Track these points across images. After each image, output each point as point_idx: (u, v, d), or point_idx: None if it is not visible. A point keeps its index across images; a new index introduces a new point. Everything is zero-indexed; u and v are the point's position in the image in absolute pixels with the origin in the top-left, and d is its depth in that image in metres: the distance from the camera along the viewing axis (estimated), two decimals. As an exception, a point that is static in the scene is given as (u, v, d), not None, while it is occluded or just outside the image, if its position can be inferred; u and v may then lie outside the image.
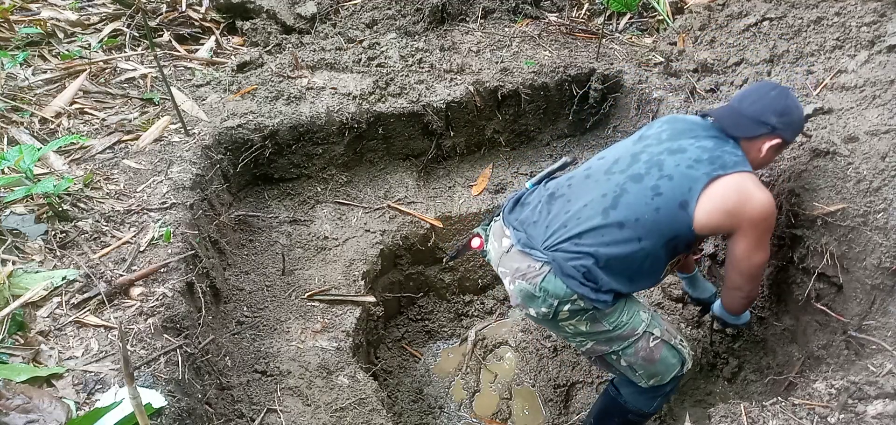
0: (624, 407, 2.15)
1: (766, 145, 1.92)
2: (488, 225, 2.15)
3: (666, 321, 2.08)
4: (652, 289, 3.07)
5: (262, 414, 1.97)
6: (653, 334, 1.94)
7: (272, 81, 3.11)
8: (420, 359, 3.03)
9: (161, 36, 3.53)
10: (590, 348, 1.99)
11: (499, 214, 2.10)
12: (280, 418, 1.97)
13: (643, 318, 1.94)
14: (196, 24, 3.71)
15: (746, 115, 1.92)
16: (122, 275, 1.88)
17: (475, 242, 2.17)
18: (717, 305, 2.29)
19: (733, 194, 1.79)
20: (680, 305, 2.99)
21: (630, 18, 4.00)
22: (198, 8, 3.81)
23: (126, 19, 3.55)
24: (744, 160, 1.88)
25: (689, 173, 1.81)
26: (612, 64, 3.37)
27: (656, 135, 1.98)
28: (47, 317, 1.73)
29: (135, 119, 2.73)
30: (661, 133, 1.97)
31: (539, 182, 2.13)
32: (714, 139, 1.91)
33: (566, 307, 1.85)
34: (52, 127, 2.60)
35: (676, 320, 2.94)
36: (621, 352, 1.95)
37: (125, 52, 3.32)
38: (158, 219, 2.15)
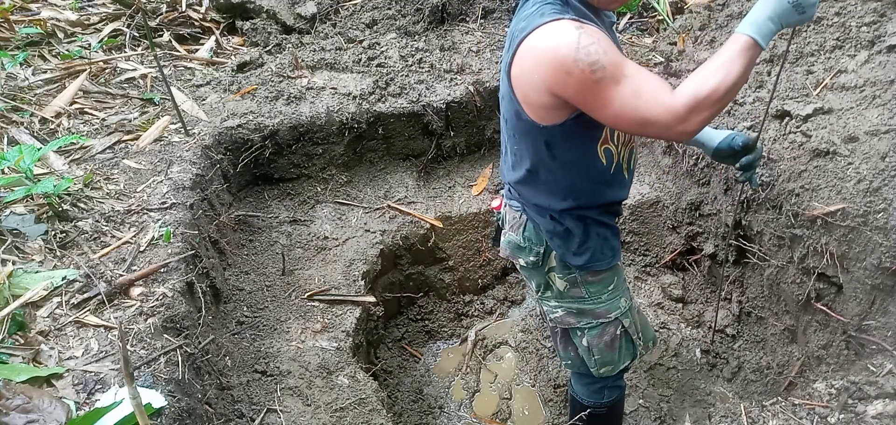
0: (584, 404, 2.13)
1: None
2: None
3: (641, 316, 2.05)
4: (652, 290, 3.07)
5: (262, 414, 1.96)
6: (622, 323, 1.91)
7: (272, 81, 3.11)
8: (420, 359, 3.03)
9: (161, 36, 3.53)
10: (559, 318, 1.94)
11: None
12: (280, 418, 1.97)
13: (621, 306, 1.89)
14: (196, 24, 3.71)
15: None
16: (122, 275, 1.88)
17: (495, 203, 2.14)
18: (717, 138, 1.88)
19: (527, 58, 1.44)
20: (680, 305, 2.99)
21: (630, 18, 4.00)
22: (198, 8, 3.82)
23: (126, 19, 3.56)
24: (535, 13, 1.43)
25: (501, 84, 1.62)
26: (612, 64, 3.37)
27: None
28: (47, 316, 1.73)
29: (135, 119, 2.73)
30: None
31: None
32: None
33: (551, 254, 1.83)
34: (52, 127, 2.60)
35: (677, 320, 2.94)
36: (586, 331, 1.91)
37: (125, 52, 3.32)
38: (158, 219, 2.15)
